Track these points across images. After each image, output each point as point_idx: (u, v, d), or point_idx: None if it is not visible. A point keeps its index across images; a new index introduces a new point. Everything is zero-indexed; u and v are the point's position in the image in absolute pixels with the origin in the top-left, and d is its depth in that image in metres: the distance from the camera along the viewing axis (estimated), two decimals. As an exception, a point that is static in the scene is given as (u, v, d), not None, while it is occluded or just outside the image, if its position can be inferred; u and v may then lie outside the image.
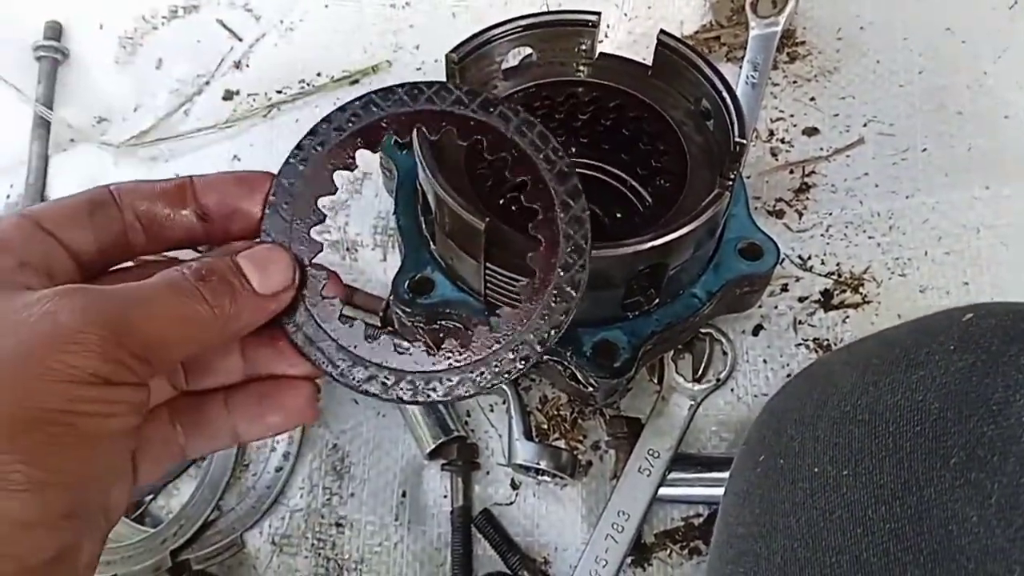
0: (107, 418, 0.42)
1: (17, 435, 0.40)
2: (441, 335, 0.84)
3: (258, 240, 0.53)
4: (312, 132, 0.56)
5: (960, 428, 0.48)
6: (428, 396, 0.53)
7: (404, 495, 0.93)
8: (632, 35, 1.16)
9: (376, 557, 0.90)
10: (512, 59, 0.91)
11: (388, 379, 0.53)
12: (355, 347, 0.53)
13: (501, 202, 0.86)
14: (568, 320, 0.54)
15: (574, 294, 0.55)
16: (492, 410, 0.95)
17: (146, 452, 0.50)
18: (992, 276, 0.94)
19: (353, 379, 0.52)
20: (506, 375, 0.53)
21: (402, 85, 0.58)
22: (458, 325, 0.81)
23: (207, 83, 1.20)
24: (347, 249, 1.05)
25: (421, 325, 0.82)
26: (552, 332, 0.54)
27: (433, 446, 0.91)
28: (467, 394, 0.53)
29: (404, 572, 0.90)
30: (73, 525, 0.42)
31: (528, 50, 0.88)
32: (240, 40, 1.23)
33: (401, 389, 0.53)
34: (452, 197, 0.71)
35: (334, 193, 0.56)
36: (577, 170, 0.95)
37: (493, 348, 0.53)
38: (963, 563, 0.44)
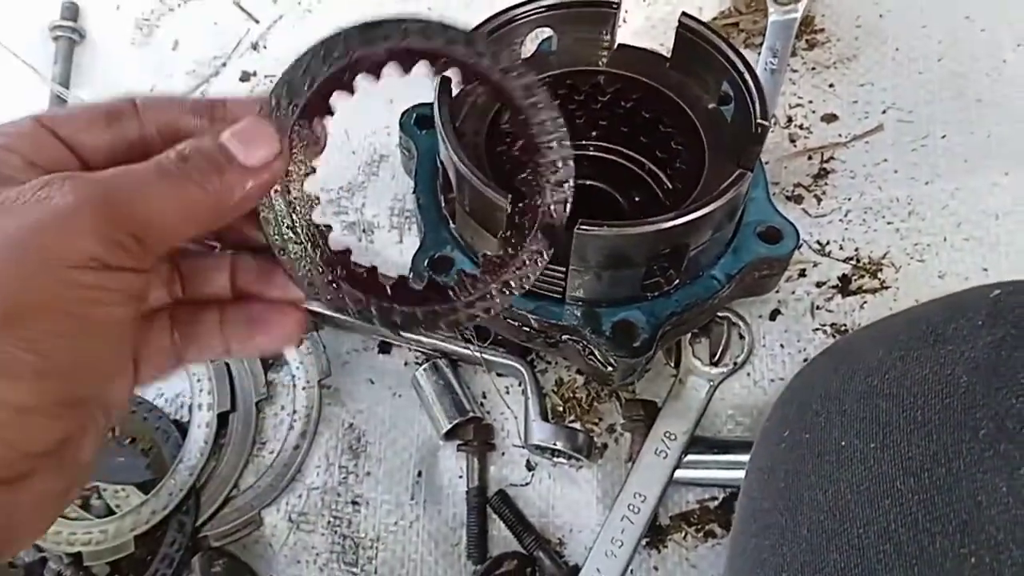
0: (106, 306, 0.42)
1: (15, 322, 0.39)
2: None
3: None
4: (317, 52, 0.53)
5: (989, 401, 0.48)
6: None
7: (420, 475, 0.93)
8: (650, 20, 1.16)
9: (392, 536, 0.91)
10: (530, 42, 0.91)
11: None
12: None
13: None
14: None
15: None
16: (508, 392, 0.96)
17: (146, 354, 0.50)
18: (1011, 262, 0.94)
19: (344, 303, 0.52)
20: (483, 312, 0.54)
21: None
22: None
23: (224, 64, 1.20)
24: (363, 231, 1.05)
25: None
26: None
27: (449, 427, 0.92)
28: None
29: (420, 551, 0.90)
30: (72, 415, 0.42)
31: (546, 33, 0.88)
32: (257, 22, 1.23)
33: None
34: (475, 175, 0.71)
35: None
36: (596, 152, 0.95)
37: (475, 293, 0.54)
38: (992, 533, 0.44)
